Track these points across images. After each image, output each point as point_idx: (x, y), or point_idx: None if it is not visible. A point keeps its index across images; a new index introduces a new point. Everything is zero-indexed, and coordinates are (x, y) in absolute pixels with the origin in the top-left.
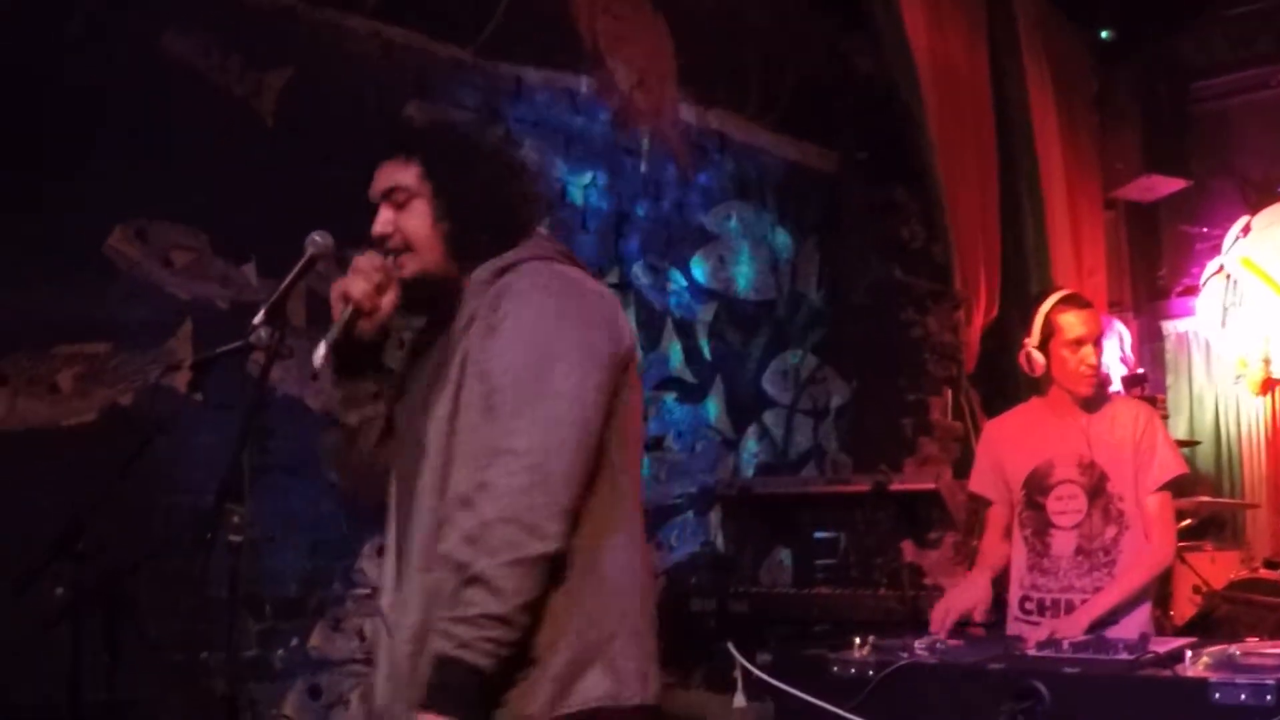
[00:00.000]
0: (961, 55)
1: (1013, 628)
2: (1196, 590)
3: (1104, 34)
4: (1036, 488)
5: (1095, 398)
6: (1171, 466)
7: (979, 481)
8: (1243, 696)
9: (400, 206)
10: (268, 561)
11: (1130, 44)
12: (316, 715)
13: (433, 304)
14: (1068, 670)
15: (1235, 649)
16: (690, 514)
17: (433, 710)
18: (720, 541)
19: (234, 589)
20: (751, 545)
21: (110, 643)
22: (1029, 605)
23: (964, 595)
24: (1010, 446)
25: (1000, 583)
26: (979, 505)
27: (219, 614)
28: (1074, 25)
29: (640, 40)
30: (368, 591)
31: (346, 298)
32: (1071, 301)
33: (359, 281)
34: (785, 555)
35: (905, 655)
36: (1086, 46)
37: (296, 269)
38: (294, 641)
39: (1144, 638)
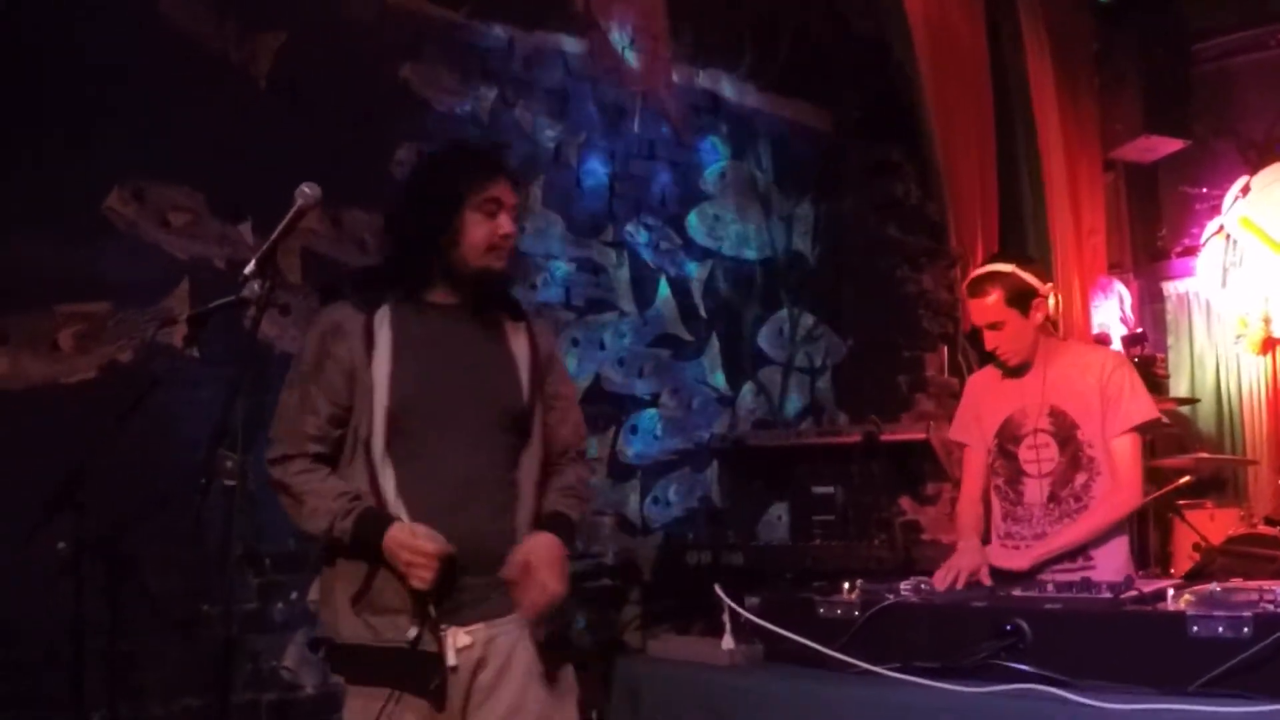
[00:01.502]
0: (958, 16)
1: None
2: (1196, 547)
3: None
4: (1009, 437)
5: (1064, 346)
6: (1139, 412)
7: (956, 429)
8: (1220, 629)
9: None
10: (266, 516)
11: (1130, 5)
12: (315, 667)
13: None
14: (1049, 607)
15: (1217, 587)
16: (687, 470)
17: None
18: (717, 496)
19: (228, 534)
20: (748, 500)
21: (112, 595)
22: (1004, 552)
23: (968, 558)
24: (987, 397)
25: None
26: (957, 450)
27: (219, 567)
28: None
29: (634, 1)
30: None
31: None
32: (969, 289)
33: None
34: (782, 510)
35: (891, 596)
36: (1087, 8)
37: (286, 220)
38: (293, 595)
39: (1129, 579)
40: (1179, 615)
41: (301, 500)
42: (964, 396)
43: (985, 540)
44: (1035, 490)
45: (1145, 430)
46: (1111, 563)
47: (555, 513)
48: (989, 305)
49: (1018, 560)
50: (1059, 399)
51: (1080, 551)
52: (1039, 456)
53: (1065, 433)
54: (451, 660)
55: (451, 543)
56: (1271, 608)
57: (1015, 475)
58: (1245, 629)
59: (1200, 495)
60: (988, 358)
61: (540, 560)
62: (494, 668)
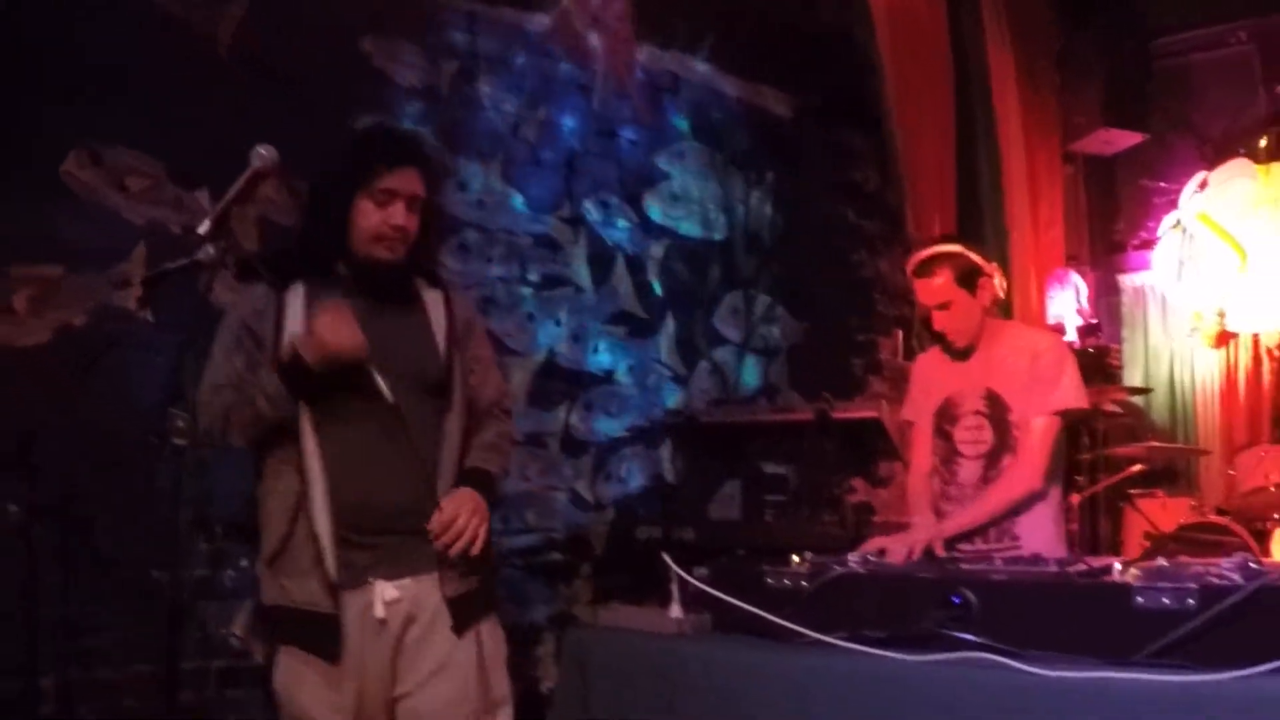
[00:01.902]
0: (921, 5)
1: None
2: (1148, 535)
3: None
4: (946, 418)
5: (1002, 329)
6: (1063, 397)
7: (906, 408)
8: (1165, 600)
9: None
10: (217, 483)
11: (1093, 0)
12: (264, 635)
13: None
14: (996, 578)
15: (1164, 562)
16: (640, 447)
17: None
18: (670, 474)
19: (177, 494)
20: (701, 478)
21: (64, 559)
22: None
23: (922, 534)
24: (931, 378)
25: None
26: (907, 430)
27: (169, 532)
28: None
29: None
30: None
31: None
32: (916, 270)
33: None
34: (735, 489)
35: (839, 568)
36: (1049, 3)
37: (241, 180)
38: (243, 562)
39: (1076, 554)
40: (1124, 586)
41: (228, 412)
42: (912, 376)
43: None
44: (969, 471)
45: (1069, 417)
46: (1036, 540)
47: (474, 468)
48: (937, 286)
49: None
50: (995, 382)
51: (1006, 531)
52: (974, 438)
53: (999, 415)
54: (380, 613)
55: (375, 500)
56: (1216, 580)
57: (950, 455)
58: (1190, 600)
59: (1153, 485)
60: (940, 341)
61: (457, 508)
62: (422, 623)
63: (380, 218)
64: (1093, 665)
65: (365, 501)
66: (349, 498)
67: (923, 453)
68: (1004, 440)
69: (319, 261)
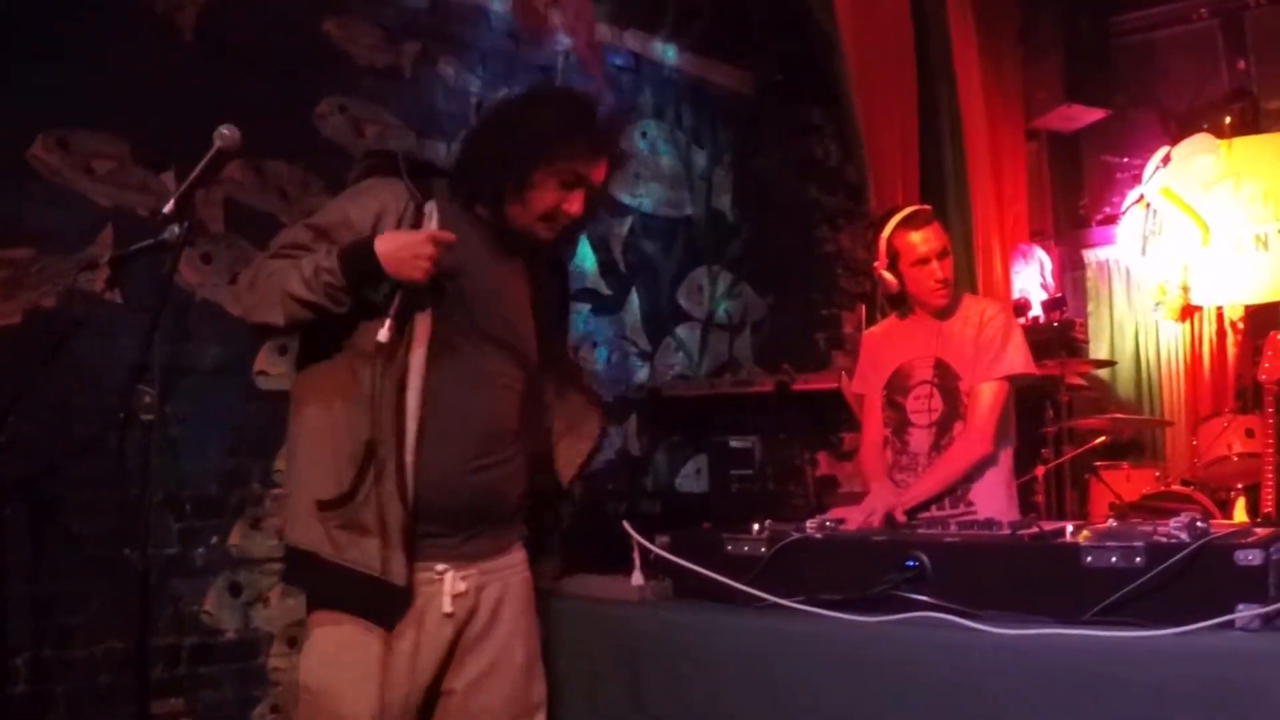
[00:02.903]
0: None
1: None
2: (1112, 506)
3: None
4: (896, 388)
5: (950, 305)
6: (1011, 363)
7: (856, 381)
8: (1113, 559)
9: None
10: (187, 461)
11: None
12: (236, 611)
13: None
14: (949, 540)
15: (1114, 524)
16: (607, 422)
17: None
18: (635, 448)
19: (146, 470)
20: (667, 452)
21: (34, 538)
22: None
23: (881, 500)
24: (881, 350)
25: None
26: (857, 403)
27: (138, 509)
28: None
29: None
30: (286, 491)
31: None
32: (910, 221)
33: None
34: (701, 463)
35: (797, 533)
36: None
37: (205, 160)
38: (213, 540)
39: (1032, 517)
40: (1073, 546)
41: (258, 283)
42: (862, 350)
43: None
44: (920, 439)
45: (1016, 383)
46: (990, 504)
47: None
48: (942, 231)
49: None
50: (944, 352)
51: (960, 498)
52: (925, 407)
53: (948, 384)
54: (448, 607)
55: (469, 484)
56: (1164, 539)
57: (902, 425)
58: (1138, 559)
59: (1119, 457)
60: (925, 299)
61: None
62: (482, 618)
63: (558, 200)
64: (1043, 623)
65: (459, 485)
66: (441, 477)
67: (874, 424)
68: (954, 408)
69: (474, 198)
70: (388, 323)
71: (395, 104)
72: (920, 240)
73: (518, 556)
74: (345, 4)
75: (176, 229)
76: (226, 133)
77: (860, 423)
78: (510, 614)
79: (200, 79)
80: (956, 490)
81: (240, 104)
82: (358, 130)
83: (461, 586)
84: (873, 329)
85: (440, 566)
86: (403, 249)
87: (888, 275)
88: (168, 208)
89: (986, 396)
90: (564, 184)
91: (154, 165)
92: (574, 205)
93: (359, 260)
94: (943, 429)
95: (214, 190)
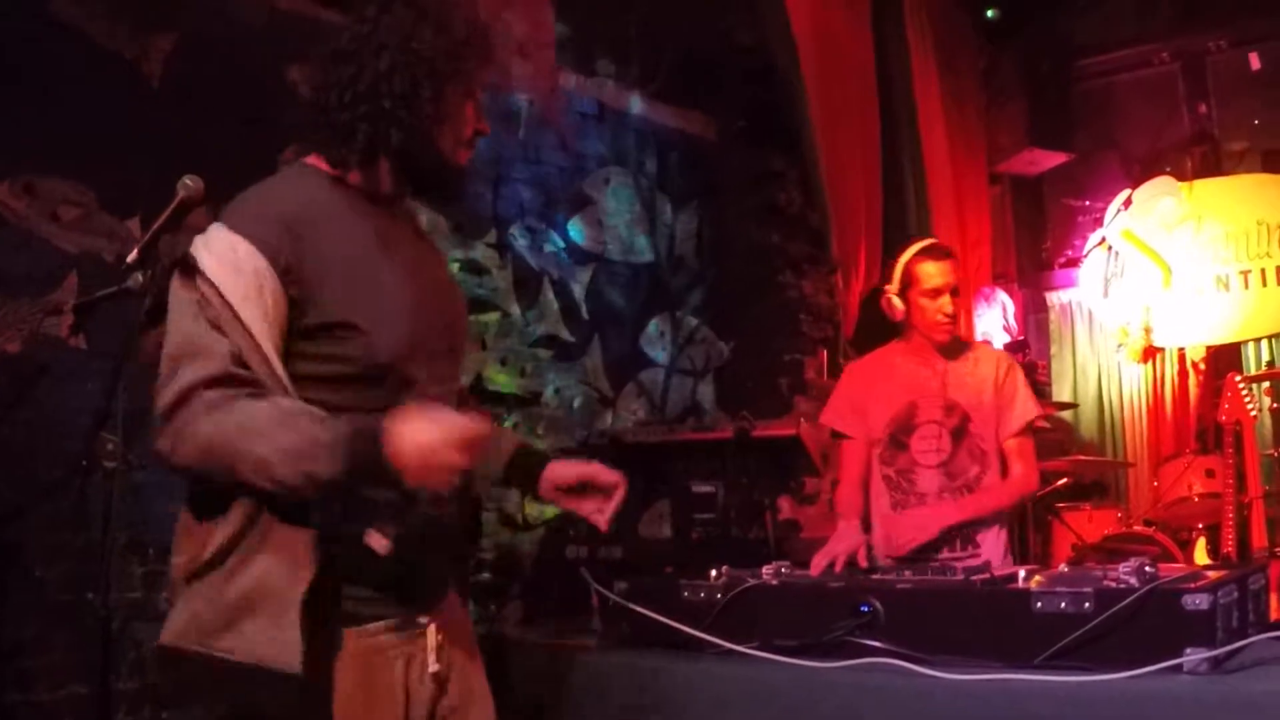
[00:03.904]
0: (844, 29)
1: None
2: (1074, 548)
3: (990, 13)
4: (901, 428)
5: (954, 343)
6: (1029, 411)
7: (836, 417)
8: (1063, 605)
9: None
10: (151, 506)
11: (1016, 22)
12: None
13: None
14: (902, 587)
15: (1067, 569)
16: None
17: None
18: None
19: (108, 516)
20: (629, 498)
21: None
22: (897, 540)
23: (844, 541)
24: (873, 387)
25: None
26: (834, 440)
27: (101, 553)
28: (961, 3)
29: (521, 8)
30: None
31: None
32: (930, 252)
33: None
34: (665, 509)
35: (752, 579)
36: (973, 25)
37: (168, 210)
38: None
39: (987, 563)
40: (1024, 592)
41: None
42: (843, 385)
43: (866, 526)
44: (928, 480)
45: (1030, 428)
46: (994, 552)
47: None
48: (958, 269)
49: (925, 532)
50: (956, 393)
51: (969, 540)
52: (933, 447)
53: (959, 425)
54: (433, 665)
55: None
56: (1113, 584)
57: (908, 465)
58: (1087, 604)
59: (1082, 498)
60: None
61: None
62: (457, 685)
63: (475, 119)
64: (995, 668)
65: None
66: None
67: (855, 461)
68: (968, 450)
69: (394, 147)
70: (381, 532)
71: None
72: (936, 272)
73: (457, 601)
74: (311, 52)
75: (141, 277)
76: (190, 183)
77: (819, 468)
78: (478, 670)
79: (166, 126)
80: (990, 521)
81: (206, 151)
82: None
83: (437, 638)
84: (857, 363)
85: (423, 619)
86: (431, 456)
87: (896, 301)
88: (132, 256)
89: (1028, 444)
90: (475, 100)
91: (120, 211)
92: (484, 124)
93: (372, 470)
94: (952, 472)
95: (180, 237)
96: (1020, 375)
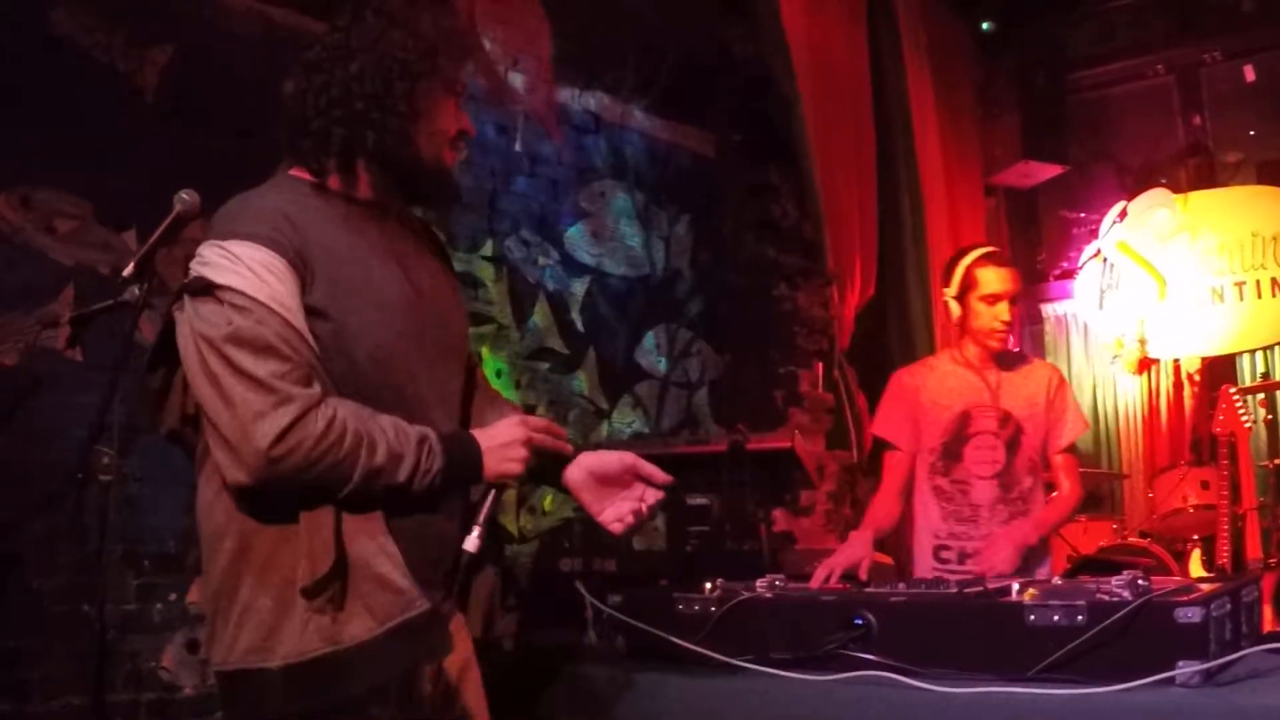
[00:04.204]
0: (840, 43)
1: (929, 574)
2: (1070, 559)
3: (985, 25)
4: (955, 438)
5: (1006, 353)
6: (1078, 427)
7: (887, 426)
8: (1055, 618)
9: None
10: (146, 518)
11: (1011, 34)
12: (194, 668)
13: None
14: (895, 600)
15: (1060, 581)
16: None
17: None
18: None
19: (103, 529)
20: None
21: None
22: (947, 554)
23: (846, 554)
24: (924, 396)
25: (900, 534)
26: (880, 449)
27: (95, 565)
28: (956, 16)
29: (517, 22)
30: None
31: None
32: (992, 258)
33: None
34: (659, 520)
35: (746, 593)
36: (968, 37)
37: (164, 225)
38: (172, 596)
39: (980, 577)
40: (1017, 605)
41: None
42: (892, 394)
43: (883, 539)
44: (983, 491)
45: (1076, 443)
46: (1044, 568)
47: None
48: (1018, 276)
49: (1008, 561)
50: (1008, 403)
51: (1024, 569)
52: (988, 458)
53: (1014, 437)
54: (426, 688)
55: (431, 525)
56: (1106, 597)
57: (963, 476)
58: (1080, 617)
59: (1080, 510)
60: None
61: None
62: (448, 702)
63: (456, 118)
64: (988, 681)
65: (422, 524)
66: (403, 518)
67: (896, 473)
68: (1023, 462)
69: (369, 152)
70: (478, 530)
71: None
72: (997, 278)
73: (461, 621)
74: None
75: (137, 290)
76: (186, 197)
77: (814, 481)
78: (473, 691)
79: (162, 139)
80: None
81: (201, 164)
82: None
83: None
84: (905, 371)
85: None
86: (503, 446)
87: (953, 305)
88: (128, 270)
89: (1071, 461)
90: (456, 97)
91: (116, 224)
92: (467, 122)
93: (464, 466)
94: (1007, 483)
95: (175, 250)
96: (1070, 391)
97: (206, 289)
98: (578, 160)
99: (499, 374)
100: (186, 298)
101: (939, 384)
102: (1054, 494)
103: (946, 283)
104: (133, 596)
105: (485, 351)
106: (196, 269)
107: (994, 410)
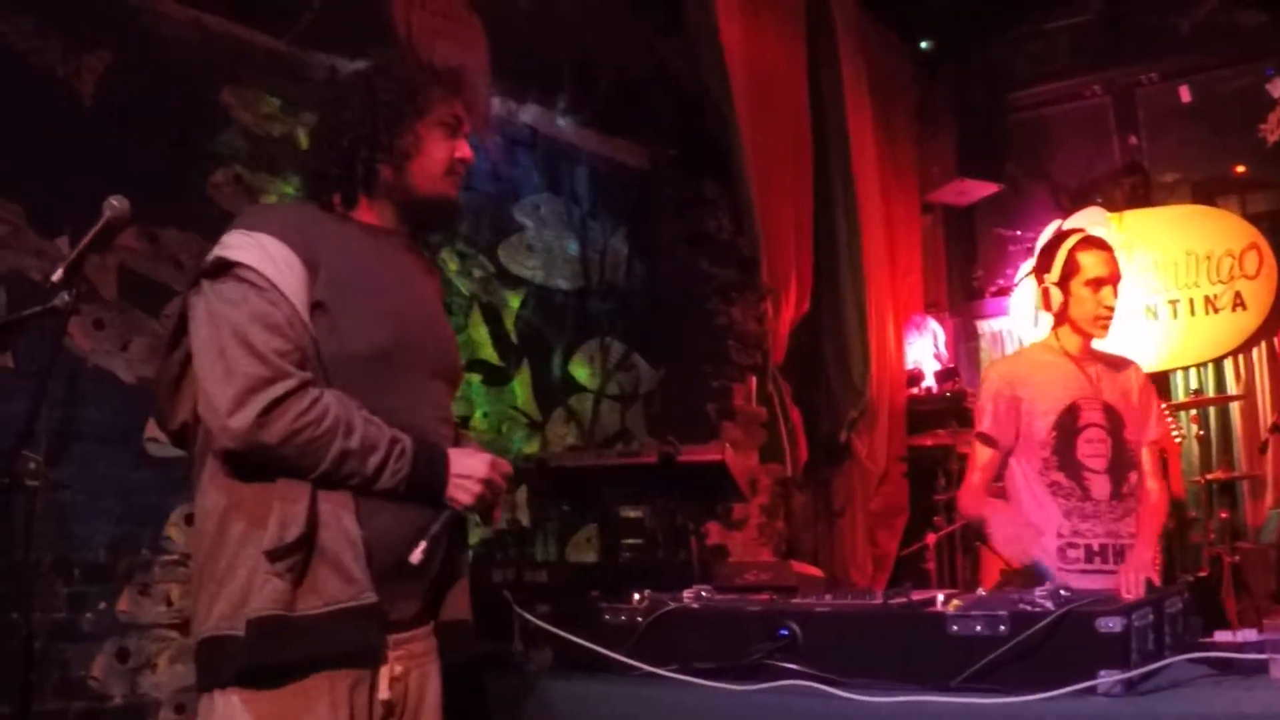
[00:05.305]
0: (778, 60)
1: (1067, 578)
2: (1003, 573)
3: (924, 44)
4: (1066, 430)
5: (1099, 347)
6: (1162, 423)
7: (994, 423)
8: (978, 627)
9: None
10: (76, 527)
11: (949, 54)
12: (123, 677)
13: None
14: (820, 610)
15: (985, 593)
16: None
17: None
18: (525, 518)
19: (29, 535)
20: (557, 522)
21: None
22: (1073, 553)
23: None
24: (1029, 388)
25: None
26: (977, 442)
27: (21, 572)
28: (895, 36)
29: (454, 35)
30: (175, 557)
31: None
32: (1094, 242)
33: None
34: (593, 533)
35: (673, 603)
36: (907, 56)
37: (93, 231)
38: (102, 605)
39: (907, 586)
40: (940, 615)
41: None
42: (992, 389)
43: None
44: (1100, 485)
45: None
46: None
47: None
48: (1117, 260)
49: (1140, 582)
50: (1109, 395)
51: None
52: (1096, 451)
53: (1117, 430)
54: (384, 693)
55: (399, 527)
56: (1029, 608)
57: (1077, 470)
58: (1001, 627)
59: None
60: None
61: None
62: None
63: (450, 147)
64: (911, 690)
65: (391, 524)
66: (389, 527)
67: (989, 472)
68: (1123, 455)
69: (351, 193)
70: (423, 545)
71: (291, 174)
72: (1100, 261)
73: (434, 640)
74: (243, 74)
75: (66, 296)
76: (116, 203)
77: (744, 494)
78: (430, 713)
79: (98, 145)
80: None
81: (136, 171)
82: (253, 200)
83: (399, 669)
84: (1001, 364)
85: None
86: (465, 477)
87: (1055, 291)
88: (57, 275)
89: (1156, 457)
90: (448, 130)
91: (48, 230)
92: (465, 150)
93: (430, 477)
94: (1118, 476)
95: (107, 257)
96: (1154, 390)
97: (225, 268)
98: (513, 173)
99: None
100: (204, 281)
101: (1041, 376)
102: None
103: (1046, 268)
104: (63, 605)
105: None
106: (216, 253)
107: (1098, 402)
